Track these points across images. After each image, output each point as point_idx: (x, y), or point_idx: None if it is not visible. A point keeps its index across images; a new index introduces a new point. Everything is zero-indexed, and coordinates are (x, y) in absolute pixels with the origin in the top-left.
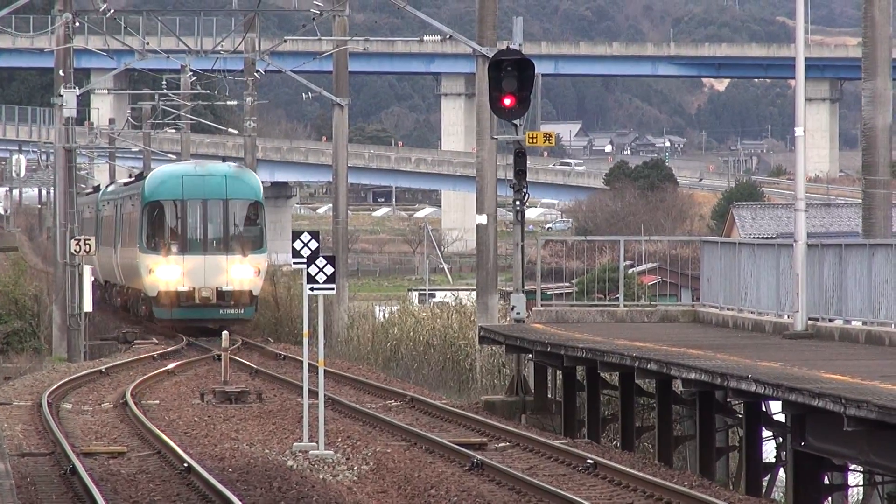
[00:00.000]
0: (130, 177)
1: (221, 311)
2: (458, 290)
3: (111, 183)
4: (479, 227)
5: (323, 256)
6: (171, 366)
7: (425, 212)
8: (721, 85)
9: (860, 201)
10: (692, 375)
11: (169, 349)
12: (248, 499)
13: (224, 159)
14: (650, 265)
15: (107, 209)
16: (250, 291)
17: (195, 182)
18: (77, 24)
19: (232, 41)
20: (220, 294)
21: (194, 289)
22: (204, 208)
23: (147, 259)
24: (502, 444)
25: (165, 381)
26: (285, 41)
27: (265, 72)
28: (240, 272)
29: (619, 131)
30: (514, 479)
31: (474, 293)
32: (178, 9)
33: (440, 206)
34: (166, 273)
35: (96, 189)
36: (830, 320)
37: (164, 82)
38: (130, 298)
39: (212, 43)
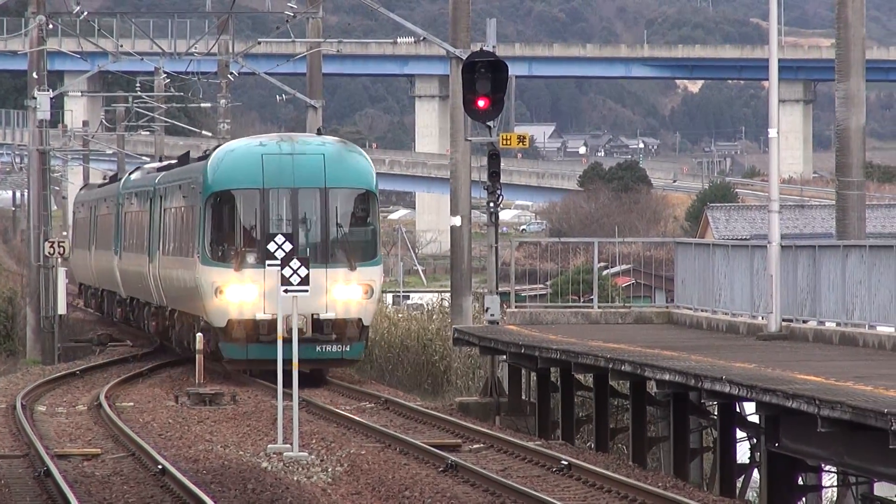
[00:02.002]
0: (161, 160)
1: (319, 349)
2: (432, 291)
3: (136, 169)
4: (453, 228)
5: (297, 258)
6: (145, 368)
7: (399, 213)
8: (695, 86)
9: (834, 202)
10: (666, 377)
11: (143, 351)
12: (223, 501)
13: (319, 130)
14: (624, 267)
15: (134, 204)
16: (359, 320)
17: (281, 164)
18: (50, 26)
19: (205, 43)
20: (318, 324)
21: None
22: (294, 201)
23: (211, 274)
24: (476, 446)
25: (140, 384)
26: (259, 43)
27: (239, 74)
28: (345, 292)
29: (592, 133)
30: (488, 481)
31: (448, 295)
32: (151, 11)
33: (414, 208)
34: (240, 294)
35: (113, 178)
36: (804, 321)
37: (137, 84)
38: (178, 326)
39: (185, 45)
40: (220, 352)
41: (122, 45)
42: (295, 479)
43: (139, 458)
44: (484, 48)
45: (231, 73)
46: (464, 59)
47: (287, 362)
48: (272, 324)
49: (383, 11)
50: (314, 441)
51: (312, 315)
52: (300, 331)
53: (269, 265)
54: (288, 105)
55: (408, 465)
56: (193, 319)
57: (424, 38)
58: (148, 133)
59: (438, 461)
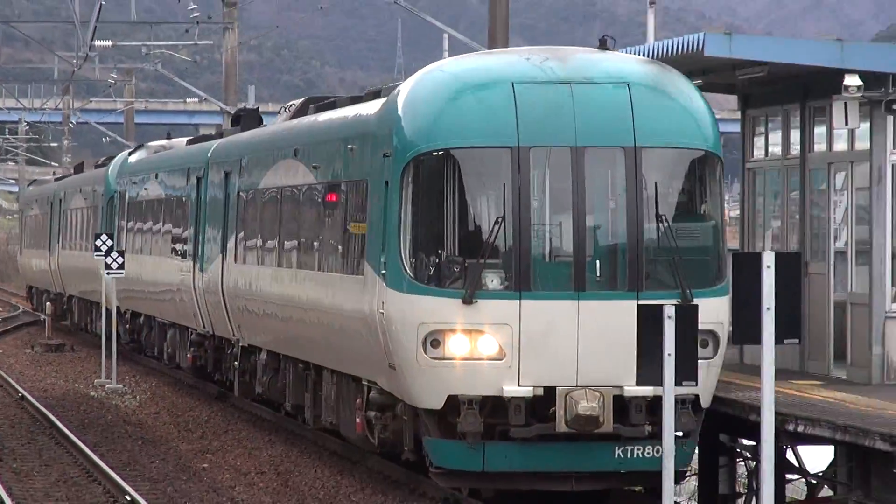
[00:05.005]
0: (229, 121)
1: (619, 454)
2: None
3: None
4: None
5: (116, 251)
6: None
7: None
8: None
9: None
10: None
11: (10, 315)
12: (64, 418)
13: (604, 40)
14: None
15: (170, 181)
16: (695, 399)
17: (552, 100)
18: None
19: (54, 101)
20: (621, 406)
21: (552, 391)
22: (577, 171)
23: (414, 308)
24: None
25: (7, 337)
26: (91, 101)
27: (77, 123)
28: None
29: None
30: (250, 405)
31: None
32: (17, 78)
33: None
34: (468, 347)
35: (107, 162)
36: None
37: (6, 129)
38: (314, 391)
39: (40, 102)
40: (428, 455)
41: None
42: (114, 402)
43: (5, 389)
44: (247, 106)
45: (71, 122)
46: (232, 112)
47: (560, 477)
48: (535, 404)
49: (177, 80)
50: (127, 377)
51: (612, 389)
52: (590, 421)
53: (96, 256)
54: (112, 145)
55: (193, 394)
56: (354, 388)
57: (206, 98)
58: (14, 164)
59: (214, 390)
